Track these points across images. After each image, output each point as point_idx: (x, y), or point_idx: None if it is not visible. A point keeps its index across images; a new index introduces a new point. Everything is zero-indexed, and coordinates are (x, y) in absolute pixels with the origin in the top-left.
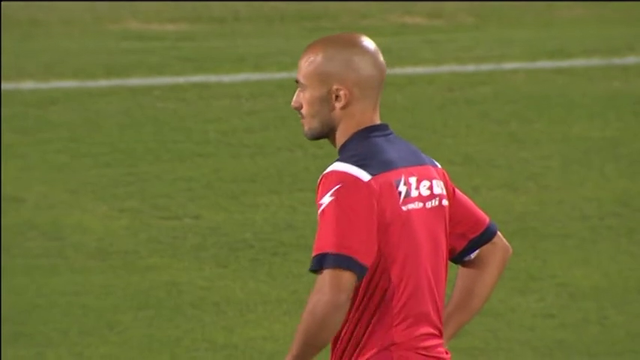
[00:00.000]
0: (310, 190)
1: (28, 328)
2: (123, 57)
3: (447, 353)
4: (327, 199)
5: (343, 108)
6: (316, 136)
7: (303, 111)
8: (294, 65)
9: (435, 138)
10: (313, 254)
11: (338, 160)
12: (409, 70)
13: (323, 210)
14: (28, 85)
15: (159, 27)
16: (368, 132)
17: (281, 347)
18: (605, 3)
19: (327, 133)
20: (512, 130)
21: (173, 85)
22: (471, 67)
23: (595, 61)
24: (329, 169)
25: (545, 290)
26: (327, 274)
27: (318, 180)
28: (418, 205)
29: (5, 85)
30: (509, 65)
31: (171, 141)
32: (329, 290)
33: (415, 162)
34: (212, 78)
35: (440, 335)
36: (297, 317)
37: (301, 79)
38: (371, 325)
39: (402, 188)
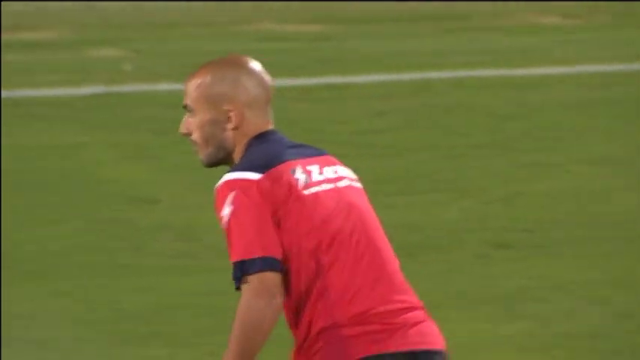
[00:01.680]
0: (441, 191)
1: (161, 327)
2: (257, 58)
3: (423, 318)
4: (227, 210)
5: (235, 129)
6: (213, 162)
7: (194, 137)
8: (427, 66)
9: (570, 137)
10: (233, 266)
11: (228, 171)
12: (544, 69)
13: (227, 221)
14: (164, 86)
15: (294, 28)
16: (255, 140)
17: None
18: None
19: (223, 156)
20: None
21: (306, 86)
22: (605, 67)
23: None
24: (220, 181)
25: None
26: (252, 280)
27: (214, 193)
28: (327, 186)
29: (141, 87)
30: None
31: (303, 142)
32: (260, 295)
33: (313, 154)
34: (345, 79)
35: (408, 301)
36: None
37: (190, 104)
38: (322, 307)
39: (300, 176)
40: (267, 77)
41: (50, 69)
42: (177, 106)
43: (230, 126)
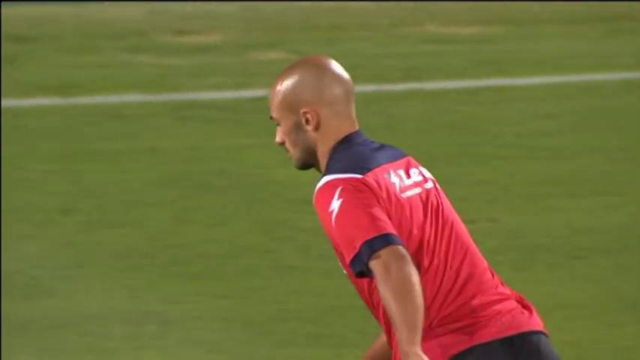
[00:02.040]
0: (610, 195)
1: (326, 328)
2: (420, 60)
3: (515, 306)
4: (335, 204)
5: (316, 130)
6: (302, 165)
7: (287, 145)
8: (594, 67)
9: None
10: (355, 252)
11: (324, 175)
12: None
13: (338, 213)
14: None
15: (457, 30)
16: (343, 144)
17: (584, 353)
18: None
19: (310, 159)
20: None
21: (470, 88)
22: None
23: None
24: (320, 183)
25: None
26: (381, 254)
27: (314, 196)
28: (416, 190)
29: None
30: None
31: (467, 144)
32: (394, 260)
33: (397, 156)
34: (510, 81)
35: (499, 293)
36: (599, 323)
37: (274, 115)
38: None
39: (395, 180)
40: (345, 76)
41: (215, 72)
42: None
43: (309, 127)
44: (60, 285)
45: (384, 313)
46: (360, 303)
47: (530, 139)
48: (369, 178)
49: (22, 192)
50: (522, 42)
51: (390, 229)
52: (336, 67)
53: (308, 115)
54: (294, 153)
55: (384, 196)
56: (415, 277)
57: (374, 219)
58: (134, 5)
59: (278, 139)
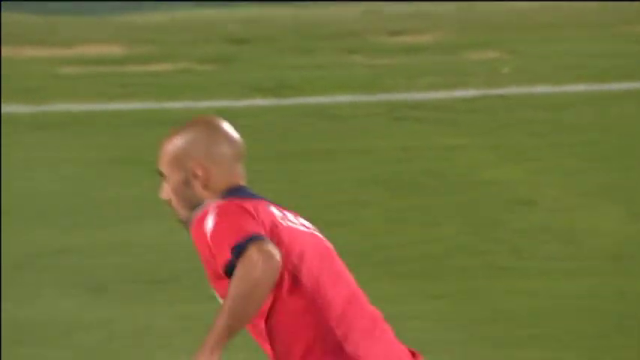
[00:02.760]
0: None
1: (538, 330)
2: (638, 60)
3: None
4: (210, 220)
5: (205, 187)
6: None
7: (173, 202)
8: None
9: None
10: (226, 258)
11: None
12: None
13: (212, 228)
14: (541, 88)
15: None
16: (227, 191)
17: None
18: None
19: None
20: None
21: None
22: None
23: None
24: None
25: None
26: (249, 250)
27: (193, 225)
28: (301, 227)
29: (519, 89)
30: None
31: None
32: (260, 254)
33: (284, 208)
34: None
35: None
36: None
37: (162, 170)
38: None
39: (274, 210)
40: (235, 137)
41: (429, 72)
42: (554, 108)
43: (198, 183)
44: None
45: (274, 341)
46: (573, 304)
47: None
48: (247, 203)
49: None
50: None
51: (260, 232)
52: (227, 127)
53: (197, 171)
54: (181, 211)
55: (260, 219)
56: (268, 279)
57: (245, 224)
58: (350, 5)
59: (164, 195)
